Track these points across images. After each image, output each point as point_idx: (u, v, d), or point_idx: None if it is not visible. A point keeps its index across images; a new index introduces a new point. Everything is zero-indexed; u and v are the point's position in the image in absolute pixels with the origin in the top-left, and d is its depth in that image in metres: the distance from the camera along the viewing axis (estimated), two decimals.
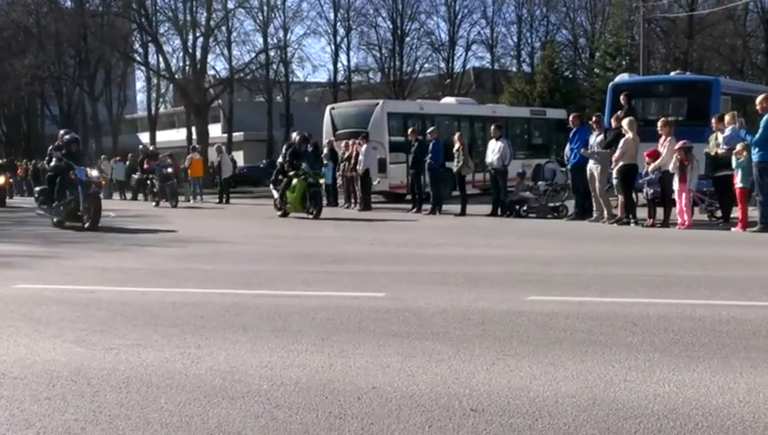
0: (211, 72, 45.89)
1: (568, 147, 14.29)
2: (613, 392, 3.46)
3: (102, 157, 34.20)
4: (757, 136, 11.11)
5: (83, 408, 3.36)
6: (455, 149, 16.39)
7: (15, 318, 5.44)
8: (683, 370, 3.79)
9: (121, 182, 30.66)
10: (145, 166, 24.57)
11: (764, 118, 11.03)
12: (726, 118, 12.45)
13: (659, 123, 12.87)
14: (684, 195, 11.98)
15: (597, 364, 3.92)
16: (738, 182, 11.47)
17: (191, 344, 4.50)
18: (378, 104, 23.29)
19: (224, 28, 44.95)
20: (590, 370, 3.82)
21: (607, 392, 3.46)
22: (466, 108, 26.05)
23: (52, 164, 13.99)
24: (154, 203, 22.80)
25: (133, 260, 9.14)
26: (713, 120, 12.91)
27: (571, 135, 14.34)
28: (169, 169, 22.96)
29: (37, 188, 15.60)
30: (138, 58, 49.09)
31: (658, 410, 3.22)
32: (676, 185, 12.06)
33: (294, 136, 16.99)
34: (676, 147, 12.07)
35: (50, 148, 14.68)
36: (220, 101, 47.39)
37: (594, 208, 13.71)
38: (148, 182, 24.29)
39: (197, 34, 41.95)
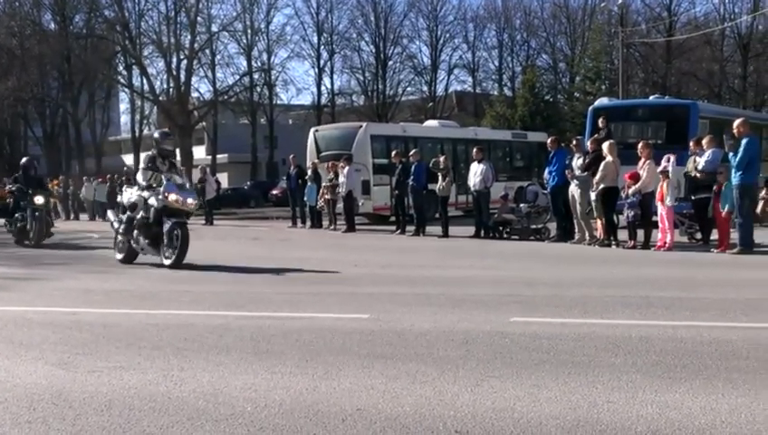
0: (195, 95, 46.00)
1: (546, 170, 14.46)
2: (597, 414, 3.48)
3: (84, 178, 34.11)
4: (737, 159, 11.26)
5: (65, 431, 3.32)
6: (440, 167, 16.53)
7: None
8: (665, 391, 3.82)
9: (103, 204, 31.22)
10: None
11: (743, 141, 11.20)
12: (704, 141, 12.63)
13: (639, 146, 13.03)
14: (667, 216, 12.10)
15: (580, 386, 3.94)
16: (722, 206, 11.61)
17: (174, 367, 4.47)
18: (361, 127, 23.35)
19: (208, 51, 45.17)
20: (574, 391, 3.84)
21: (590, 414, 3.48)
22: (449, 131, 26.22)
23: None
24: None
25: (116, 282, 9.07)
26: (691, 144, 13.08)
27: (549, 158, 14.50)
28: None
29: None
30: (122, 80, 49.06)
31: (642, 431, 3.24)
32: (661, 209, 12.16)
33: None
34: (659, 170, 12.22)
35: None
36: (204, 123, 47.41)
37: (576, 230, 13.82)
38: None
39: (181, 57, 42.00)
